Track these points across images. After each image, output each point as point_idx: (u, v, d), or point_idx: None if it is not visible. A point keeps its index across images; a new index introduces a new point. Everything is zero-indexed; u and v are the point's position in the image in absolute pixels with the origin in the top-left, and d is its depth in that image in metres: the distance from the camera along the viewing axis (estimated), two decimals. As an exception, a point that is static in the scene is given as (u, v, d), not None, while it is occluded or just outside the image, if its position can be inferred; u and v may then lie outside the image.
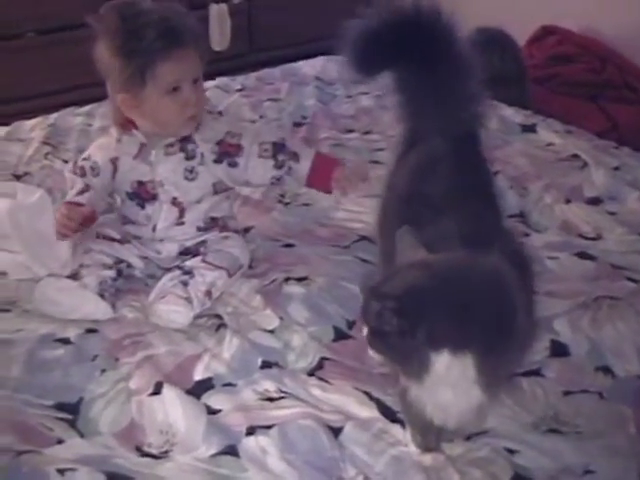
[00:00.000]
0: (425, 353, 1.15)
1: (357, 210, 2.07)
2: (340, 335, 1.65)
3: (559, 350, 1.57)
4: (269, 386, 1.51)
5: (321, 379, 1.53)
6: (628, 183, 2.20)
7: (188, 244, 1.84)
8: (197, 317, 1.70)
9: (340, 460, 1.35)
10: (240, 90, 2.82)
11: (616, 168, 2.29)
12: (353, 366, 1.56)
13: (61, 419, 1.46)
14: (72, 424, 1.45)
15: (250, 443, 1.38)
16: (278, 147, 1.82)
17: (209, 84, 2.74)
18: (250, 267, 1.86)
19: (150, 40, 1.67)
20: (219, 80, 2.90)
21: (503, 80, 2.96)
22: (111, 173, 1.83)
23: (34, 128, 2.58)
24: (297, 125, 2.60)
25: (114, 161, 1.83)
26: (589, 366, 1.53)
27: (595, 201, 2.14)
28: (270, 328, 1.66)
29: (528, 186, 2.20)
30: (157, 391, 1.49)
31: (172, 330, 1.66)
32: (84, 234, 1.83)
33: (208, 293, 1.73)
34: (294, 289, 1.76)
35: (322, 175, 1.82)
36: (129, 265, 1.83)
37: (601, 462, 1.33)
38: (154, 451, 1.39)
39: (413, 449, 1.35)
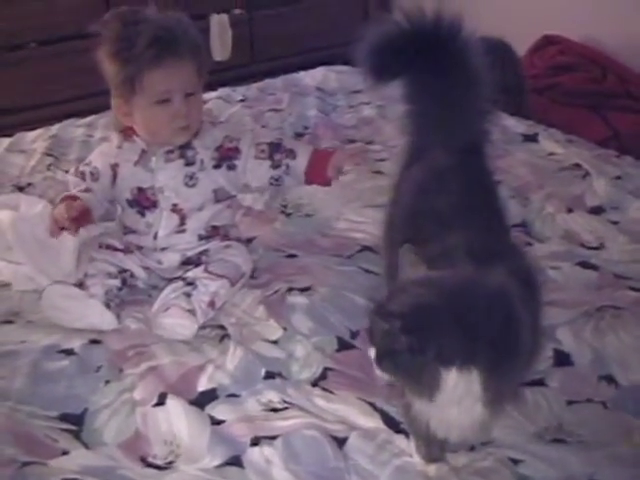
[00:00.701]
0: (435, 370, 1.15)
1: (359, 220, 2.08)
2: (344, 345, 1.65)
3: (562, 359, 1.57)
4: (273, 397, 1.51)
5: (325, 389, 1.53)
6: (630, 192, 2.20)
7: (190, 254, 1.84)
8: (201, 328, 1.70)
9: (345, 471, 1.34)
10: (242, 101, 2.83)
11: (618, 177, 2.29)
12: (357, 376, 1.56)
13: (66, 430, 1.46)
14: (77, 435, 1.45)
15: (254, 454, 1.38)
16: (274, 147, 1.84)
17: (211, 95, 2.75)
18: (253, 277, 1.86)
19: (141, 48, 1.68)
20: (221, 91, 2.91)
21: (503, 90, 2.97)
22: (110, 179, 1.84)
23: (36, 139, 2.59)
24: (299, 135, 2.60)
25: (114, 167, 1.83)
26: (592, 375, 1.53)
27: (597, 210, 2.14)
28: (273, 339, 1.66)
29: (530, 196, 2.20)
30: (161, 402, 1.49)
31: (175, 341, 1.66)
32: (85, 243, 1.84)
33: (211, 303, 1.73)
34: (297, 299, 1.76)
35: (320, 169, 1.82)
36: (132, 275, 1.83)
37: (605, 471, 1.32)
38: (159, 462, 1.39)
39: (417, 459, 1.35)
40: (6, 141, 2.58)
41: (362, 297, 1.77)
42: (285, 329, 1.68)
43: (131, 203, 1.83)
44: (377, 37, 1.61)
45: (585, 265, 1.89)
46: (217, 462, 1.37)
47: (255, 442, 1.40)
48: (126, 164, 1.82)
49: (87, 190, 1.80)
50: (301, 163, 1.83)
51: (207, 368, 1.58)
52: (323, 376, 1.56)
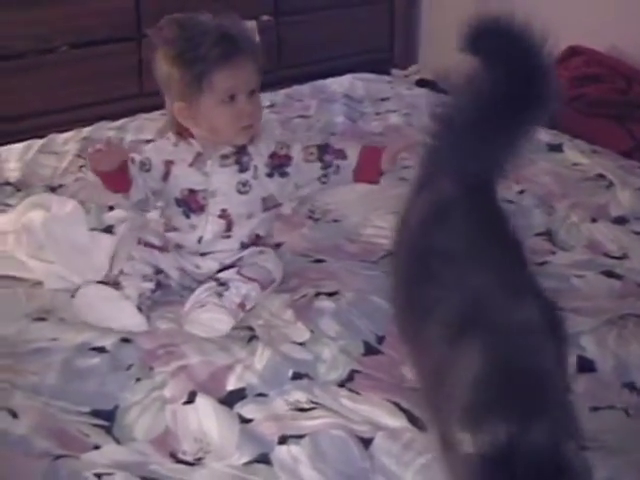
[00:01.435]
0: None
1: (385, 226, 2.10)
2: (370, 350, 1.68)
3: (586, 366, 1.60)
4: (300, 397, 1.54)
5: (351, 390, 1.56)
6: (654, 203, 2.23)
7: (227, 262, 1.86)
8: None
9: (370, 471, 1.37)
10: (270, 107, 2.87)
11: (642, 188, 2.31)
12: (383, 379, 1.59)
13: (97, 425, 1.49)
14: (108, 431, 1.48)
15: (282, 452, 1.41)
16: (323, 149, 1.87)
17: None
18: (281, 282, 1.89)
19: (207, 48, 1.72)
20: (248, 96, 2.94)
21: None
22: (161, 175, 1.86)
23: (68, 141, 2.63)
24: (326, 142, 2.63)
25: (168, 164, 1.85)
26: (615, 382, 1.56)
27: (621, 220, 2.16)
28: (301, 341, 1.69)
29: (554, 205, 2.22)
30: (191, 400, 1.52)
31: (205, 341, 1.69)
32: (123, 239, 1.87)
33: (242, 305, 1.76)
34: (324, 304, 1.79)
35: (369, 166, 1.86)
36: (166, 276, 1.86)
37: (627, 477, 1.35)
38: (188, 458, 1.42)
39: None
40: (38, 142, 2.62)
41: (386, 301, 1.79)
42: (312, 332, 1.71)
43: (179, 202, 1.86)
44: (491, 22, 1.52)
45: (609, 274, 1.91)
46: (245, 459, 1.40)
47: (282, 441, 1.43)
48: (181, 163, 1.85)
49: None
50: (351, 162, 1.86)
51: (236, 368, 1.61)
52: (350, 378, 1.59)
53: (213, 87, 1.75)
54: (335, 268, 1.93)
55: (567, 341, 1.32)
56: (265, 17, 4.10)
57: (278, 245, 2.02)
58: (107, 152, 1.77)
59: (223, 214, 1.85)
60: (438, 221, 1.43)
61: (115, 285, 1.79)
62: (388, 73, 3.96)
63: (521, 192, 2.30)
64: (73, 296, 1.80)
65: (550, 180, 2.37)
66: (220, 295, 1.75)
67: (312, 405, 1.52)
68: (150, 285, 1.81)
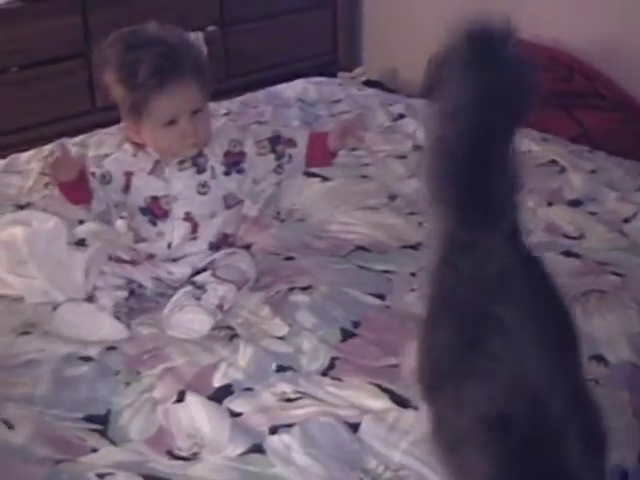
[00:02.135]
0: None
1: (350, 222, 2.17)
2: (347, 335, 1.75)
3: (553, 341, 1.67)
4: (286, 388, 1.60)
5: (334, 378, 1.62)
6: (605, 185, 2.33)
7: (199, 265, 1.91)
8: (210, 329, 1.78)
9: (361, 452, 1.44)
10: (226, 114, 2.92)
11: (592, 171, 2.42)
12: (362, 363, 1.66)
13: (92, 430, 1.53)
14: (103, 434, 1.53)
15: (274, 441, 1.47)
16: (274, 140, 1.93)
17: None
18: (255, 281, 1.94)
19: (145, 76, 1.75)
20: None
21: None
22: (122, 187, 1.90)
23: (30, 160, 2.65)
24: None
25: (128, 176, 1.90)
26: (583, 356, 1.63)
27: (575, 203, 2.26)
28: (280, 335, 1.75)
29: (511, 192, 2.31)
30: (181, 399, 1.57)
31: (187, 343, 1.74)
32: (93, 257, 1.92)
33: (220, 306, 1.81)
34: (299, 298, 1.85)
35: (318, 150, 1.93)
36: (140, 285, 1.90)
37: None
38: (184, 454, 1.48)
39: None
40: (0, 163, 2.64)
41: (360, 291, 1.87)
42: (290, 326, 1.77)
43: (144, 211, 1.91)
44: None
45: (568, 254, 2.01)
46: (240, 450, 1.46)
47: (273, 431, 1.49)
48: (141, 173, 1.90)
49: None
50: (301, 150, 1.92)
51: (220, 366, 1.67)
52: (331, 366, 1.66)
53: (151, 114, 1.79)
54: (306, 264, 1.99)
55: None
56: (211, 28, 4.14)
57: (248, 246, 2.07)
58: (64, 161, 1.82)
59: (187, 217, 1.90)
60: (495, 286, 1.28)
61: (90, 299, 1.83)
62: (334, 76, 4.03)
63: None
64: (55, 309, 1.84)
65: (504, 168, 2.45)
66: (198, 298, 1.80)
67: (298, 395, 1.58)
68: (123, 293, 1.85)
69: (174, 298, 1.83)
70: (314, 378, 1.63)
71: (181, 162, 1.88)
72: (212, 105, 2.94)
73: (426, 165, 1.31)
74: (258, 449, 1.46)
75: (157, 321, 1.82)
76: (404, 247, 2.07)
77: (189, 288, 1.84)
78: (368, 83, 4.03)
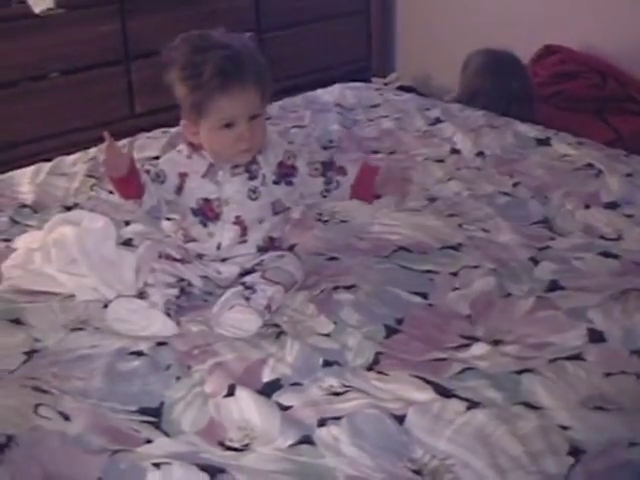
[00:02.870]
0: None
1: (392, 223, 2.22)
2: (391, 331, 1.79)
3: (596, 337, 1.72)
4: (333, 382, 1.64)
5: (379, 372, 1.66)
6: (641, 187, 2.36)
7: (247, 266, 1.95)
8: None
9: (408, 442, 1.48)
10: (267, 118, 2.96)
11: (629, 174, 2.45)
12: (406, 357, 1.70)
13: (146, 422, 1.58)
14: (157, 426, 1.57)
15: (323, 433, 1.51)
16: (327, 165, 1.98)
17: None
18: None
19: (207, 77, 1.79)
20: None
21: (514, 99, 3.15)
22: (176, 186, 1.94)
23: (76, 162, 2.72)
24: (325, 149, 2.75)
25: (182, 176, 1.94)
26: (624, 350, 1.68)
27: (612, 205, 2.30)
28: (326, 332, 1.79)
29: (549, 195, 2.35)
30: (231, 393, 1.61)
31: (236, 340, 1.78)
32: (144, 255, 1.97)
33: (268, 307, 1.85)
34: (343, 296, 1.89)
35: (365, 186, 1.98)
36: (190, 284, 1.94)
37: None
38: (236, 445, 1.51)
39: None
40: (47, 165, 2.70)
41: (403, 290, 1.92)
42: (335, 323, 1.81)
43: (195, 212, 1.95)
44: None
45: (607, 255, 2.04)
46: (290, 442, 1.50)
47: (322, 423, 1.53)
48: (194, 175, 1.93)
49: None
50: (350, 178, 1.98)
51: (269, 361, 1.71)
52: (376, 361, 1.70)
53: (210, 114, 1.83)
54: (349, 264, 2.03)
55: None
56: (247, 34, 4.19)
57: (292, 247, 2.11)
58: (113, 156, 1.87)
59: (237, 220, 1.94)
60: None
61: (141, 296, 1.88)
62: (368, 81, 4.08)
63: (515, 185, 2.43)
64: (106, 306, 1.89)
65: (542, 172, 2.50)
66: (247, 298, 1.84)
67: (345, 389, 1.62)
68: (174, 291, 1.89)
69: (223, 297, 1.87)
70: (360, 373, 1.67)
71: (234, 167, 1.92)
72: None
73: None
74: (308, 440, 1.50)
75: (205, 319, 1.87)
76: (444, 248, 2.11)
77: (239, 288, 1.88)
78: (402, 88, 4.08)
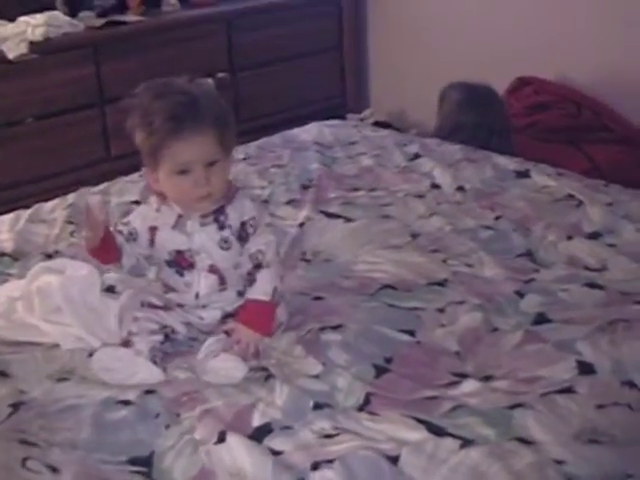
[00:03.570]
0: None
1: (376, 261, 2.22)
2: (380, 371, 1.78)
3: (586, 369, 1.71)
4: (324, 424, 1.62)
5: (370, 413, 1.65)
6: (623, 217, 2.38)
7: (229, 309, 1.93)
8: (245, 372, 1.81)
9: (403, 484, 1.47)
10: (244, 159, 2.97)
11: (609, 204, 2.46)
12: (396, 397, 1.69)
13: (137, 472, 1.55)
14: (148, 475, 1.55)
15: (316, 477, 1.49)
16: (256, 265, 1.90)
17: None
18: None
19: (159, 123, 1.77)
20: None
21: (494, 132, 3.17)
22: (148, 241, 1.94)
23: (55, 209, 2.70)
24: (305, 187, 2.74)
25: (153, 230, 1.93)
26: (615, 382, 1.67)
27: (594, 236, 2.30)
28: (315, 373, 1.78)
29: (530, 227, 2.36)
30: (221, 439, 1.59)
31: (224, 385, 1.77)
32: (127, 305, 1.96)
33: (254, 353, 1.84)
34: (331, 336, 1.88)
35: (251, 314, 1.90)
36: (173, 330, 1.93)
37: (638, 467, 1.46)
38: (229, 492, 1.51)
39: None
40: (26, 213, 2.68)
41: (390, 328, 1.91)
42: (324, 364, 1.80)
43: (170, 263, 1.93)
44: None
45: (592, 285, 2.04)
46: (284, 487, 1.49)
47: (315, 467, 1.51)
48: (164, 227, 1.92)
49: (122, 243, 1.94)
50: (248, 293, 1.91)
51: (258, 405, 1.69)
52: (367, 401, 1.68)
53: (165, 160, 1.81)
54: (335, 303, 2.02)
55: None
56: (221, 74, 4.22)
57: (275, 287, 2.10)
58: (90, 226, 1.87)
59: (212, 269, 1.91)
60: None
61: (126, 344, 1.87)
62: (344, 118, 4.10)
63: (497, 218, 2.43)
64: (91, 355, 1.87)
65: (523, 204, 2.51)
66: (232, 347, 1.83)
67: (337, 431, 1.61)
68: (159, 337, 1.88)
69: (206, 344, 1.86)
70: (351, 414, 1.65)
71: (203, 217, 1.89)
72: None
73: None
74: (302, 485, 1.49)
75: (192, 366, 1.85)
76: (429, 284, 2.10)
77: (222, 336, 1.87)
78: (377, 124, 4.11)
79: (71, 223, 2.59)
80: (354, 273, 2.19)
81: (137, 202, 2.66)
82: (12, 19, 3.77)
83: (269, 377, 1.79)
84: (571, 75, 3.71)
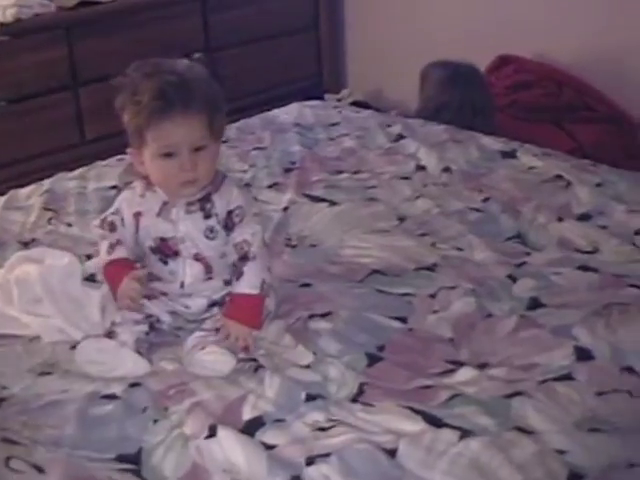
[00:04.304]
0: None
1: (363, 246, 2.17)
2: (373, 360, 1.73)
3: (584, 355, 1.68)
4: (318, 417, 1.58)
5: (365, 403, 1.61)
6: (612, 198, 2.34)
7: (215, 297, 1.88)
8: (234, 363, 1.76)
9: (402, 477, 1.43)
10: (224, 142, 2.90)
11: (598, 184, 2.43)
12: (391, 386, 1.65)
13: (125, 470, 1.50)
14: (137, 474, 1.50)
15: (312, 472, 1.45)
16: (242, 257, 1.85)
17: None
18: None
19: (147, 100, 1.72)
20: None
21: (479, 111, 3.12)
22: (134, 227, 1.88)
23: (31, 195, 2.62)
24: (288, 171, 2.68)
25: (137, 216, 1.87)
26: (614, 368, 1.64)
27: (585, 217, 2.27)
28: (306, 363, 1.73)
29: (519, 208, 2.32)
30: (212, 434, 1.55)
31: (212, 377, 1.72)
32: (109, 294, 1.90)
33: (243, 347, 1.79)
34: (321, 324, 1.84)
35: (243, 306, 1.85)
36: (158, 320, 1.87)
37: (642, 455, 1.43)
38: (222, 490, 1.46)
39: None
40: (1, 199, 2.61)
41: (381, 315, 1.86)
42: (315, 353, 1.75)
43: (154, 250, 1.87)
44: None
45: (585, 268, 2.01)
46: (279, 483, 1.44)
47: (310, 462, 1.47)
48: (149, 214, 1.86)
49: (116, 243, 1.87)
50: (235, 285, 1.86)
51: (248, 398, 1.64)
52: (360, 391, 1.64)
53: (151, 141, 1.76)
54: (323, 290, 1.97)
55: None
56: (197, 54, 4.14)
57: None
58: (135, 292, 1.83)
59: (197, 257, 1.86)
60: None
61: (110, 335, 1.81)
62: (321, 98, 4.04)
63: (485, 200, 2.39)
64: (73, 347, 1.82)
65: (511, 186, 2.46)
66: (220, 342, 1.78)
67: (331, 423, 1.56)
68: (143, 328, 1.83)
69: (193, 336, 1.81)
70: (345, 405, 1.61)
71: (189, 204, 1.84)
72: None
73: None
74: (298, 480, 1.44)
75: (178, 356, 1.80)
76: (419, 269, 2.06)
77: (209, 333, 1.81)
78: (355, 104, 4.05)
79: (49, 210, 2.51)
80: (341, 258, 2.14)
81: (115, 187, 2.59)
82: (-19, 1, 3.67)
83: (258, 368, 1.74)
84: (552, 54, 3.67)
